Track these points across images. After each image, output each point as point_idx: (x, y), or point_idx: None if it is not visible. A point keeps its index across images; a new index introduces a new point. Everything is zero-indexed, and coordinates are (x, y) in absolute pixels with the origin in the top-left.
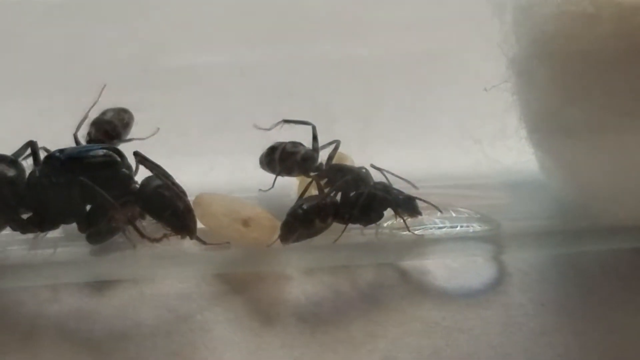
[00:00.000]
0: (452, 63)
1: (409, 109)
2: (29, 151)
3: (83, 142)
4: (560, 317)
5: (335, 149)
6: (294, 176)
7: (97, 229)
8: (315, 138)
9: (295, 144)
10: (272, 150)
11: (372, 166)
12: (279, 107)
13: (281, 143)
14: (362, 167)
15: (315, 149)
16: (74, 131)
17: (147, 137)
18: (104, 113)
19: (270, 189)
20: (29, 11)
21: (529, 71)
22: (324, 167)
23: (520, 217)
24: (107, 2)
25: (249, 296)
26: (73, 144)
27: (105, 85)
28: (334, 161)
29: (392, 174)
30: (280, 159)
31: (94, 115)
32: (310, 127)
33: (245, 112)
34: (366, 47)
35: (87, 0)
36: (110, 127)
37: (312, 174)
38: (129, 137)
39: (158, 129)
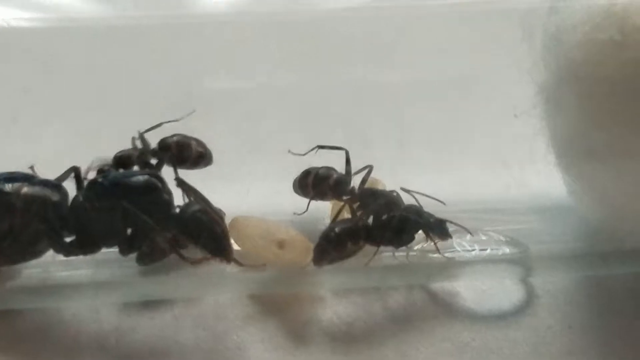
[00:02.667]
0: (482, 88)
1: (440, 133)
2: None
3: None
4: (587, 338)
5: (368, 173)
6: (327, 200)
7: (149, 251)
8: (348, 162)
9: (328, 169)
10: (305, 174)
11: (402, 189)
12: (313, 132)
13: (314, 168)
14: (394, 191)
15: (348, 174)
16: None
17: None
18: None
19: (304, 212)
20: (74, 36)
21: (557, 97)
22: (356, 191)
23: (548, 240)
24: (148, 28)
25: (283, 316)
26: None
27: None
28: (366, 185)
29: (421, 194)
30: (313, 183)
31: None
32: (343, 152)
33: (281, 137)
34: (399, 73)
35: (129, 27)
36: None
37: (344, 197)
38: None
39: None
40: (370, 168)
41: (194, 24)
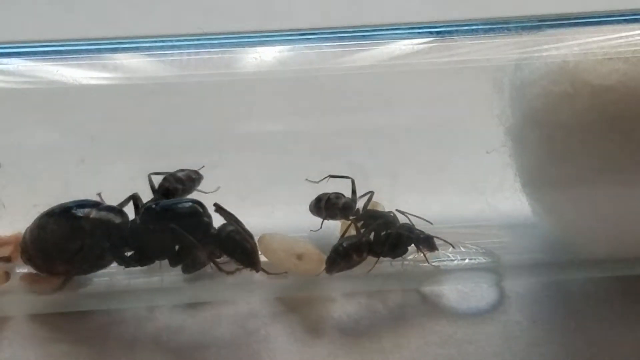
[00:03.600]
0: (461, 130)
1: (427, 166)
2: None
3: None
4: (549, 332)
5: (370, 198)
6: (337, 220)
7: (191, 263)
8: (354, 191)
9: (337, 195)
10: (318, 199)
11: (398, 210)
12: (324, 166)
13: (326, 194)
14: (391, 212)
15: (354, 199)
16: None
17: (210, 192)
18: (178, 171)
19: (318, 229)
20: (130, 95)
21: (521, 137)
22: (360, 212)
23: (516, 252)
24: (196, 85)
25: (302, 315)
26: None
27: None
28: (368, 207)
29: (413, 215)
30: (325, 206)
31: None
32: (349, 181)
33: (299, 169)
34: (393, 118)
35: (173, 86)
36: (180, 183)
37: (351, 218)
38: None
39: (219, 187)
40: (371, 194)
41: (234, 81)
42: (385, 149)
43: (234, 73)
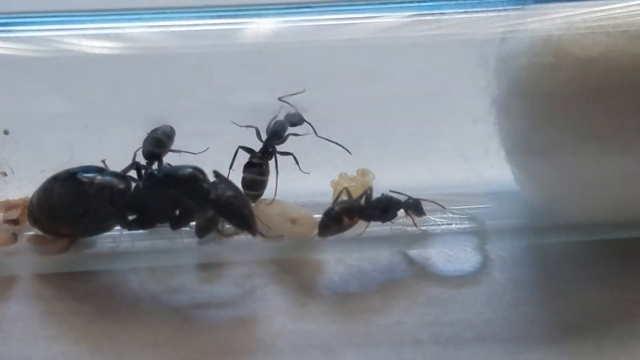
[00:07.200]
0: (448, 101)
1: (416, 135)
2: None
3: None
4: (529, 292)
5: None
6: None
7: (204, 227)
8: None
9: None
10: None
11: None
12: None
13: None
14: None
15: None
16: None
17: (198, 153)
18: (154, 130)
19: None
20: (132, 63)
21: (506, 107)
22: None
23: (500, 217)
24: (187, 56)
25: (296, 276)
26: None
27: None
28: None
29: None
30: None
31: None
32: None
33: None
34: (383, 89)
35: (173, 56)
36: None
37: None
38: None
39: (207, 148)
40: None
41: (231, 52)
42: (375, 120)
43: (231, 44)
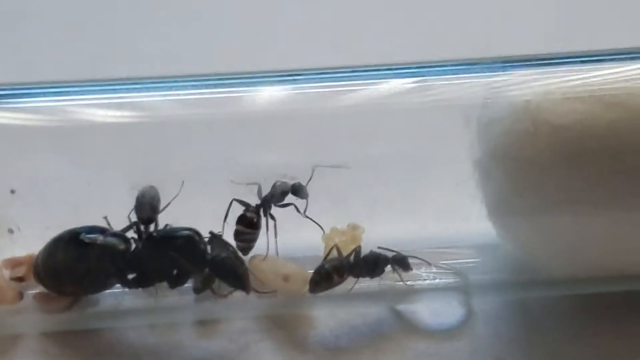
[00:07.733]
0: (434, 163)
1: (405, 195)
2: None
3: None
4: (512, 346)
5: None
6: None
7: (201, 285)
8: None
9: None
10: None
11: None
12: (311, 198)
13: None
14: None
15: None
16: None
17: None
18: (142, 196)
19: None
20: (134, 131)
21: (487, 170)
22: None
23: (483, 272)
24: (189, 124)
25: (289, 331)
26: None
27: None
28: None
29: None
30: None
31: None
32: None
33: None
34: (373, 151)
35: (174, 123)
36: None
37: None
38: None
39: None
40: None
41: (231, 120)
42: (365, 180)
43: (242, 112)
